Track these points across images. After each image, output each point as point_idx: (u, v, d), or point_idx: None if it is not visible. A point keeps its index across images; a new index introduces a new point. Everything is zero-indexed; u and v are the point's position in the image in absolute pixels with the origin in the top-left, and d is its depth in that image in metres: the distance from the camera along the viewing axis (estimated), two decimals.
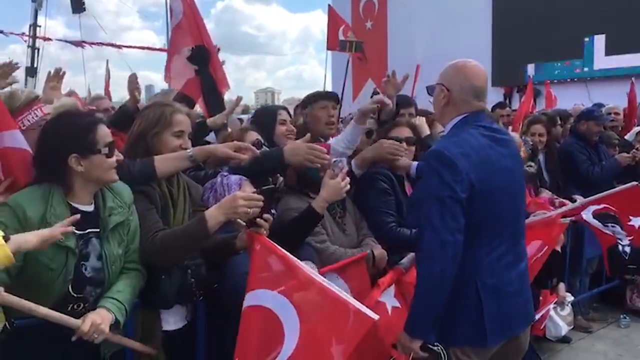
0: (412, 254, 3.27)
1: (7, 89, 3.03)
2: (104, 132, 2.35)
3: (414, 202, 2.74)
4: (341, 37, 6.96)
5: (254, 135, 3.25)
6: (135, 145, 2.69)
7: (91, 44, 20.18)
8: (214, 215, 2.36)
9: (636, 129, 6.34)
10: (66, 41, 20.71)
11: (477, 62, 2.64)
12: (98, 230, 2.36)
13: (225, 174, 2.86)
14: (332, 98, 4.06)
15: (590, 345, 5.00)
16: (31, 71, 20.17)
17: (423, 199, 2.45)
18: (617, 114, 7.14)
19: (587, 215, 4.61)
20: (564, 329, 4.71)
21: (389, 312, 3.13)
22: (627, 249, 4.54)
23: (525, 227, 2.75)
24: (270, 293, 2.33)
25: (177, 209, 2.68)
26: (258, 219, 2.38)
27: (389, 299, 3.15)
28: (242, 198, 2.32)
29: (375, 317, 2.22)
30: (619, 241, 4.54)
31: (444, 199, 2.33)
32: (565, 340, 4.94)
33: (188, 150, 2.68)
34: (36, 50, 20.03)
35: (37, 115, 2.62)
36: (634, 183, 4.66)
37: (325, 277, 2.52)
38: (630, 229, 4.53)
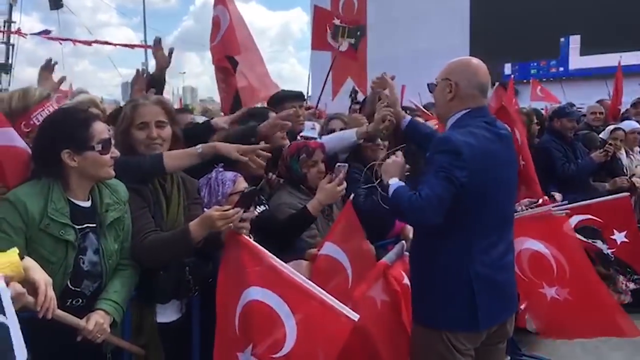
0: (397, 247, 3.38)
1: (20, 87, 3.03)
2: (99, 129, 2.37)
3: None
4: (330, 39, 6.83)
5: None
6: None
7: (65, 39, 19.84)
8: (196, 229, 2.42)
9: (610, 127, 6.48)
10: (38, 33, 20.38)
11: (479, 60, 2.75)
12: (94, 225, 2.40)
13: (221, 169, 2.90)
14: (298, 98, 4.24)
15: None
16: (5, 67, 19.88)
17: (428, 172, 2.55)
18: (601, 113, 7.28)
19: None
20: None
21: (379, 305, 3.21)
22: (610, 254, 4.49)
23: (513, 219, 2.87)
24: (261, 290, 2.39)
25: (171, 204, 2.72)
26: (237, 222, 2.42)
27: (378, 293, 3.23)
28: (218, 218, 2.36)
29: (356, 317, 2.26)
30: (602, 248, 4.48)
31: (444, 175, 2.46)
32: None
33: (197, 147, 2.71)
34: (11, 47, 19.75)
35: (49, 112, 2.62)
36: (625, 194, 4.66)
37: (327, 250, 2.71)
38: (612, 243, 4.44)
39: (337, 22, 6.80)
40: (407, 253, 3.42)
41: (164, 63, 3.91)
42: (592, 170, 5.88)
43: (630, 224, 4.49)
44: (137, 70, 4.10)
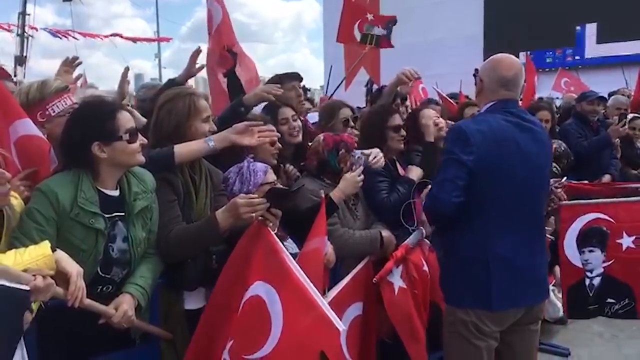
0: (416, 233, 3.44)
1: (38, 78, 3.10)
2: (125, 118, 2.43)
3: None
4: (356, 31, 6.70)
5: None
6: (170, 138, 2.71)
7: (79, 33, 19.93)
8: (222, 217, 2.45)
9: (629, 116, 6.41)
10: (51, 31, 20.49)
11: (511, 56, 2.93)
12: (123, 213, 2.45)
13: (251, 160, 2.93)
14: (296, 77, 4.34)
15: (586, 326, 5.10)
16: (20, 60, 20.00)
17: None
18: (625, 109, 7.17)
19: (571, 234, 4.20)
20: (562, 310, 4.82)
21: (396, 292, 3.27)
22: (596, 282, 4.16)
23: (542, 209, 2.97)
24: (264, 284, 2.38)
25: (199, 195, 2.76)
26: (265, 213, 2.43)
27: (397, 280, 3.29)
28: (242, 205, 2.38)
29: (342, 328, 2.23)
30: (588, 274, 4.17)
31: (452, 159, 2.71)
32: (561, 321, 5.08)
33: (209, 138, 2.73)
34: (26, 39, 19.86)
35: (65, 104, 2.70)
36: None
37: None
38: (616, 249, 4.15)
39: (370, 16, 6.66)
40: (426, 240, 3.46)
41: (124, 94, 4.05)
42: (605, 144, 5.76)
43: None
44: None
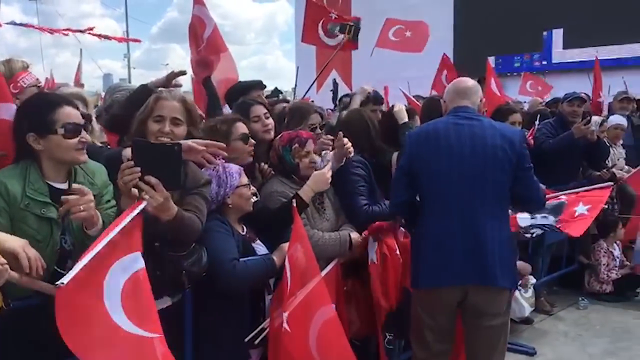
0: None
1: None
2: (66, 113, 2.35)
3: None
4: (321, 31, 6.66)
5: (241, 128, 3.20)
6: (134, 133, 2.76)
7: (47, 30, 19.57)
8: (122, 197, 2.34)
9: (597, 118, 6.45)
10: (17, 24, 20.09)
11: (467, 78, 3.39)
12: None
13: (224, 162, 2.87)
14: (259, 86, 4.60)
15: (552, 326, 5.22)
16: None
17: None
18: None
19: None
20: (528, 310, 4.90)
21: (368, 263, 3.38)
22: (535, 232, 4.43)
23: (489, 202, 3.04)
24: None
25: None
26: (139, 182, 2.25)
27: (372, 254, 3.37)
28: (119, 172, 2.27)
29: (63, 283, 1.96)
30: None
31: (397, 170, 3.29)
32: (527, 321, 5.15)
33: None
34: None
35: (32, 77, 2.90)
36: (609, 184, 4.85)
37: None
38: (568, 215, 4.37)
39: (334, 15, 6.62)
40: (402, 229, 3.52)
41: None
42: (569, 142, 5.50)
43: (598, 203, 4.51)
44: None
